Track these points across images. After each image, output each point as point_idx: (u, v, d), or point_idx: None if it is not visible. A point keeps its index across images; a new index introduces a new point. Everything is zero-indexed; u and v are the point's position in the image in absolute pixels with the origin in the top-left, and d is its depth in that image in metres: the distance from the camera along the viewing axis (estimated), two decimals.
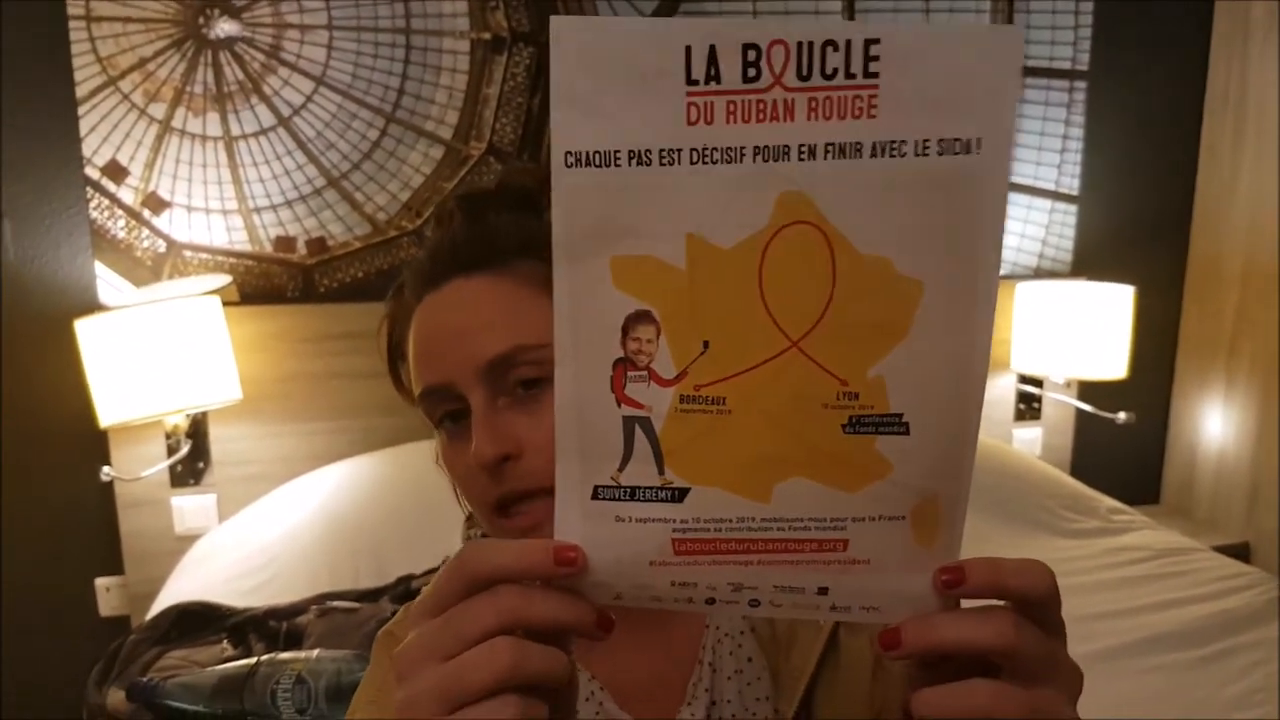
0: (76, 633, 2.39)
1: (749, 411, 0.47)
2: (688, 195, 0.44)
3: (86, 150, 2.26)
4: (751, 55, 0.43)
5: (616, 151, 0.44)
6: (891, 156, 0.44)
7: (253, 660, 1.61)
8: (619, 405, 0.47)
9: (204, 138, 2.34)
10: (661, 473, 0.48)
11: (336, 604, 1.85)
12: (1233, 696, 1.81)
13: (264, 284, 2.44)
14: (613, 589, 0.50)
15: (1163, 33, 2.96)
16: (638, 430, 0.48)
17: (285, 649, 1.75)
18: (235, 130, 2.35)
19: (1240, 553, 2.69)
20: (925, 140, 0.44)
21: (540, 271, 0.79)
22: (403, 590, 1.94)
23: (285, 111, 2.38)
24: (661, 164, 0.44)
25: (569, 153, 0.44)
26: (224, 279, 2.36)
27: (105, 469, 2.27)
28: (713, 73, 0.43)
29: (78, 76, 2.23)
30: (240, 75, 2.34)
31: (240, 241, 2.40)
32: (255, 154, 2.38)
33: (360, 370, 2.42)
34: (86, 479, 2.30)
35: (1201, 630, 2.01)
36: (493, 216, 0.81)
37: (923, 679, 0.50)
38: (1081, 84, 2.91)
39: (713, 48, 0.43)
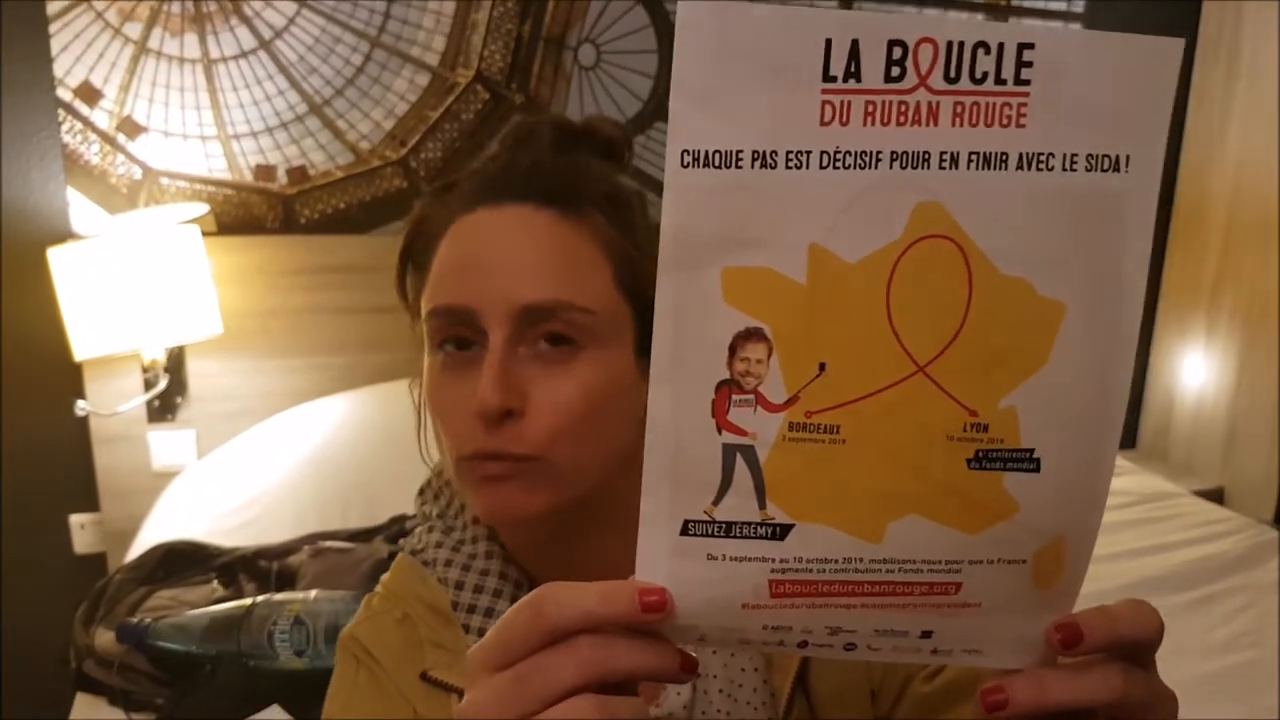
0: (51, 570, 2.34)
1: (866, 442, 0.43)
2: (814, 202, 0.40)
3: (58, 71, 2.15)
4: (897, 53, 0.39)
5: (739, 152, 0.40)
6: (1037, 170, 0.41)
7: (248, 601, 1.58)
8: (720, 431, 0.43)
9: (181, 60, 2.24)
10: (762, 507, 0.44)
11: (329, 544, 1.82)
12: (1221, 640, 1.84)
13: (243, 214, 2.36)
14: (697, 630, 0.47)
15: None
16: (739, 460, 0.43)
17: (277, 589, 1.72)
18: (214, 53, 2.26)
19: (1214, 497, 2.73)
20: (1073, 155, 0.41)
21: (610, 232, 0.74)
22: (397, 530, 1.91)
23: (267, 34, 2.29)
24: (788, 167, 0.40)
25: (686, 151, 0.40)
26: (200, 208, 2.27)
27: (80, 403, 2.20)
28: (853, 69, 0.39)
29: None
30: None
31: (219, 169, 2.32)
32: (235, 78, 2.28)
33: (343, 305, 2.37)
34: (60, 413, 2.23)
35: (1188, 575, 2.05)
36: (583, 157, 0.76)
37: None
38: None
39: (855, 42, 0.39)
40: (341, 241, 2.40)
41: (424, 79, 2.42)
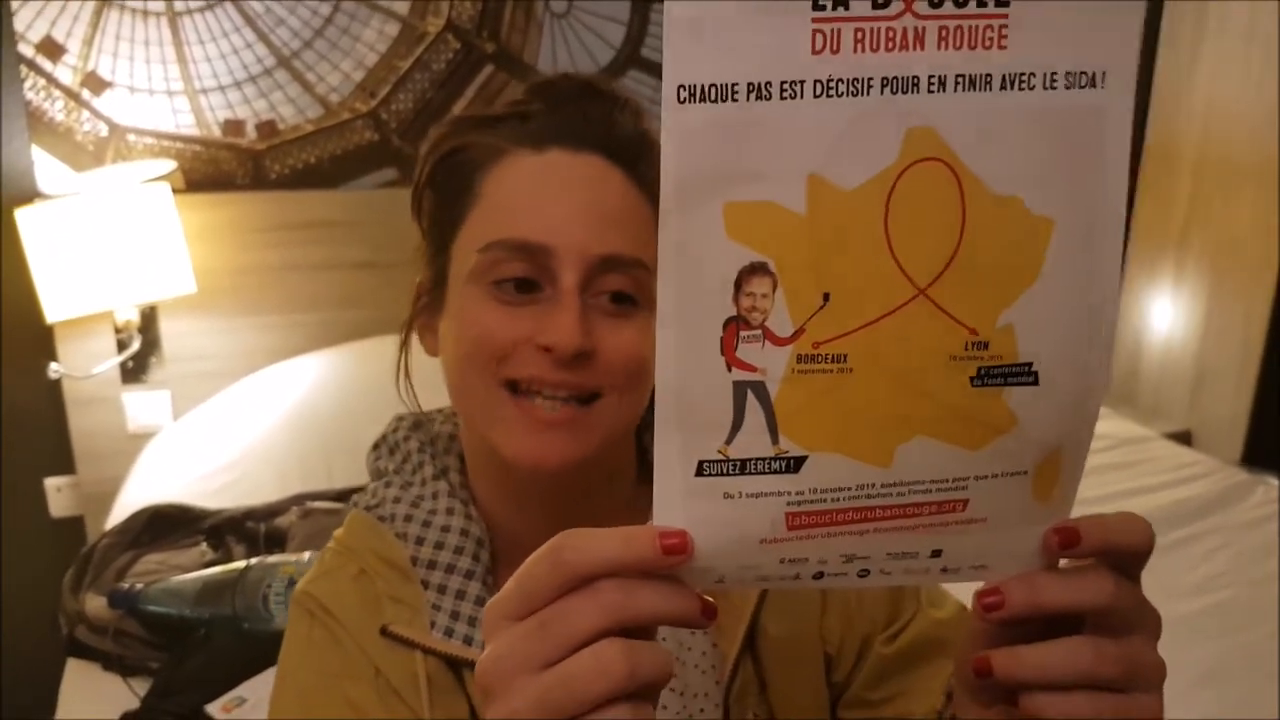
0: (27, 534, 2.31)
1: (872, 368, 0.43)
2: (810, 132, 0.41)
3: (19, 25, 2.09)
4: None
5: (734, 84, 0.40)
6: (1020, 89, 0.42)
7: (242, 564, 1.58)
8: (729, 369, 0.43)
9: (146, 13, 2.18)
10: (776, 442, 0.44)
11: (317, 505, 1.82)
12: (1197, 581, 1.89)
13: (212, 170, 2.32)
14: (716, 572, 0.47)
15: None
16: (750, 396, 0.43)
17: (267, 551, 1.72)
18: (179, 5, 2.20)
19: (1182, 440, 2.78)
20: (1053, 73, 0.42)
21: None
22: None
23: None
24: (783, 97, 0.40)
25: (682, 86, 0.40)
26: (168, 165, 2.23)
27: (53, 366, 2.17)
28: None
29: None
30: None
31: (187, 125, 2.27)
32: (201, 31, 2.23)
33: (317, 261, 2.34)
34: (33, 376, 2.20)
35: (1164, 518, 2.08)
36: (651, 131, 0.76)
37: (1003, 635, 0.49)
38: None
39: None
40: (313, 197, 2.37)
41: (393, 29, 2.38)
